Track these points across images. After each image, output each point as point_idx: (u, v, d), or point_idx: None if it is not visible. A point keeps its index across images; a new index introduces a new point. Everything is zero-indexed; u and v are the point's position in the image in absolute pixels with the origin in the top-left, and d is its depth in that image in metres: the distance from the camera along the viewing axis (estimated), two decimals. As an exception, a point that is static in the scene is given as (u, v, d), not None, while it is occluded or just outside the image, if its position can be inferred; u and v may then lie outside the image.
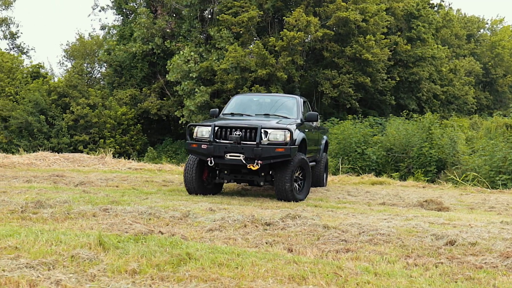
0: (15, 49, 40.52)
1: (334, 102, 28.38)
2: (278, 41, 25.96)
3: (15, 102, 30.74)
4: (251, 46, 26.10)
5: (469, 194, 11.87)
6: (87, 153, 22.57)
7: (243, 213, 7.26)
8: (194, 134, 9.66)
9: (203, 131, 9.49)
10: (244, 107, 10.93)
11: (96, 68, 39.28)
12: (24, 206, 7.13)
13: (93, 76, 38.75)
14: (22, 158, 15.38)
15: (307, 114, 10.59)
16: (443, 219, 7.48)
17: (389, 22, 28.11)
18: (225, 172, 9.74)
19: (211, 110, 10.93)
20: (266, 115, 10.43)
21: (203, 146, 9.21)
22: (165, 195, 9.51)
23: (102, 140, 30.64)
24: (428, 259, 4.89)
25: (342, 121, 22.18)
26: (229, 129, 9.28)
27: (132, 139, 31.45)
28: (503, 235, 6.04)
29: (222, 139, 9.26)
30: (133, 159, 20.83)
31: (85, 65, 38.08)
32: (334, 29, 26.63)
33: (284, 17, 26.80)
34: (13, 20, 43.45)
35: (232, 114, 10.62)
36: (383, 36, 27.04)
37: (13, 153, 22.38)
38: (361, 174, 17.56)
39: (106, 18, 74.15)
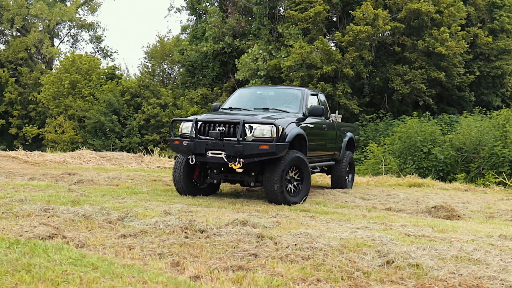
0: (99, 52, 41.84)
1: (408, 100, 26.47)
2: (344, 36, 24.59)
3: (90, 103, 31.60)
4: (316, 41, 24.87)
5: (510, 199, 10.12)
6: (159, 154, 22.40)
7: (203, 217, 6.43)
8: (179, 129, 8.89)
9: (188, 127, 8.69)
10: (245, 101, 9.96)
11: (175, 69, 39.68)
12: (-33, 205, 6.73)
13: (172, 76, 39.13)
14: (58, 156, 15.36)
15: (311, 108, 9.40)
16: (432, 230, 6.18)
17: (467, 13, 25.74)
18: (215, 171, 8.88)
19: (213, 104, 10.11)
20: (265, 109, 9.41)
21: (184, 143, 8.40)
22: (150, 195, 8.79)
23: (173, 139, 30.68)
24: (324, 286, 3.77)
25: (411, 118, 20.51)
26: (212, 124, 8.41)
27: (203, 139, 31.24)
28: (474, 255, 4.70)
29: (206, 135, 8.41)
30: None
31: (165, 66, 38.61)
32: (405, 22, 24.77)
33: (350, 11, 25.37)
34: (99, 24, 44.97)
35: (231, 108, 9.69)
36: (459, 28, 24.78)
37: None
38: (425, 175, 16.13)
39: (187, 19, 74.93)
